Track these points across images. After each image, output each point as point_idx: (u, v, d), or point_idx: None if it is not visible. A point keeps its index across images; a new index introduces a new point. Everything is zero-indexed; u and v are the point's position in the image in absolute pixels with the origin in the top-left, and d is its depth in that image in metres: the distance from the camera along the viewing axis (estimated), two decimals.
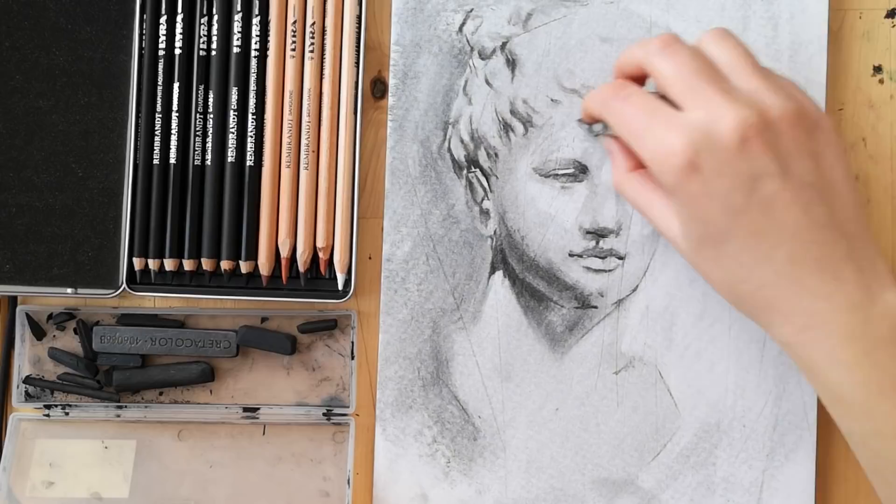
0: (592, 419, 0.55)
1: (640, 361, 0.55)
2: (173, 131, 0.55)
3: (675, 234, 0.49)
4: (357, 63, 0.55)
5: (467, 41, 0.56)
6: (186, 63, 0.55)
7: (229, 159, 0.55)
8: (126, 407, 0.56)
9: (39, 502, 0.55)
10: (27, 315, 0.56)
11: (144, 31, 0.55)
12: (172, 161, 0.55)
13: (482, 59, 0.56)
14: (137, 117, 0.55)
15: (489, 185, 0.56)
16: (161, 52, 0.55)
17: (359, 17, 0.55)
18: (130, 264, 0.55)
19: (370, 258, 0.56)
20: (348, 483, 0.54)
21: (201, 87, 0.55)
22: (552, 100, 0.55)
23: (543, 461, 0.55)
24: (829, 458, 0.56)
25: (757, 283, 0.46)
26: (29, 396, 0.56)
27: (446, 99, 0.56)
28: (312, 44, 0.55)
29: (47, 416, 0.56)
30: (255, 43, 0.55)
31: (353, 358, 0.56)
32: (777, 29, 0.55)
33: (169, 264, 0.55)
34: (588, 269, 0.55)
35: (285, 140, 0.55)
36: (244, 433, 0.56)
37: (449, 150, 0.56)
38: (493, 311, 0.55)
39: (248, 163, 0.55)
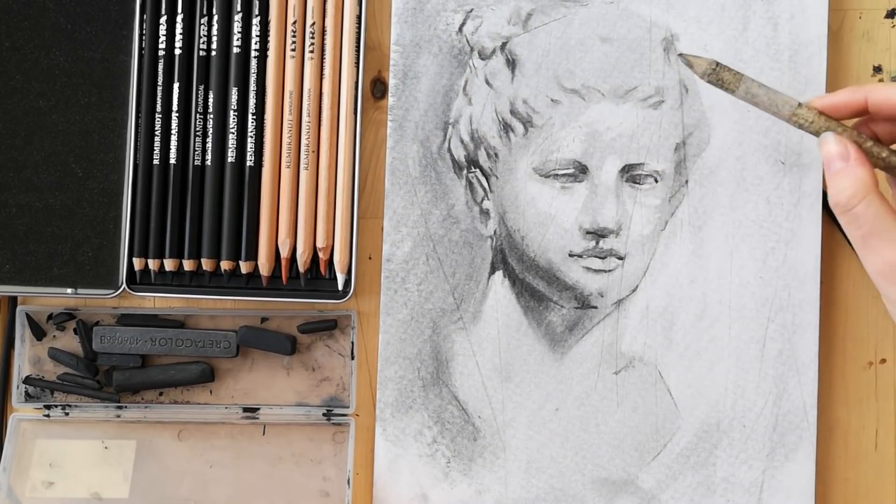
0: (592, 419, 0.55)
1: (639, 361, 0.55)
2: (173, 131, 0.55)
3: None
4: (357, 63, 0.55)
5: (467, 41, 0.56)
6: (186, 63, 0.55)
7: (229, 159, 0.55)
8: (126, 407, 0.56)
9: (39, 502, 0.55)
10: (27, 315, 0.56)
11: (144, 31, 0.55)
12: (172, 161, 0.55)
13: (482, 59, 0.56)
14: (137, 117, 0.55)
15: (489, 185, 0.56)
16: (161, 52, 0.55)
17: (359, 17, 0.55)
18: (130, 264, 0.55)
19: (370, 258, 0.56)
20: (348, 483, 0.54)
21: (201, 87, 0.55)
22: (552, 100, 0.55)
23: (543, 461, 0.55)
24: (829, 458, 0.56)
25: None
26: (29, 396, 0.56)
27: (446, 99, 0.56)
28: (312, 44, 0.55)
29: (47, 416, 0.56)
30: (255, 43, 0.55)
31: (353, 358, 0.56)
32: (777, 29, 0.55)
33: (169, 264, 0.55)
34: (588, 269, 0.55)
35: (285, 140, 0.55)
36: (244, 433, 0.56)
37: (449, 150, 0.56)
38: (493, 311, 0.55)
39: (248, 163, 0.55)
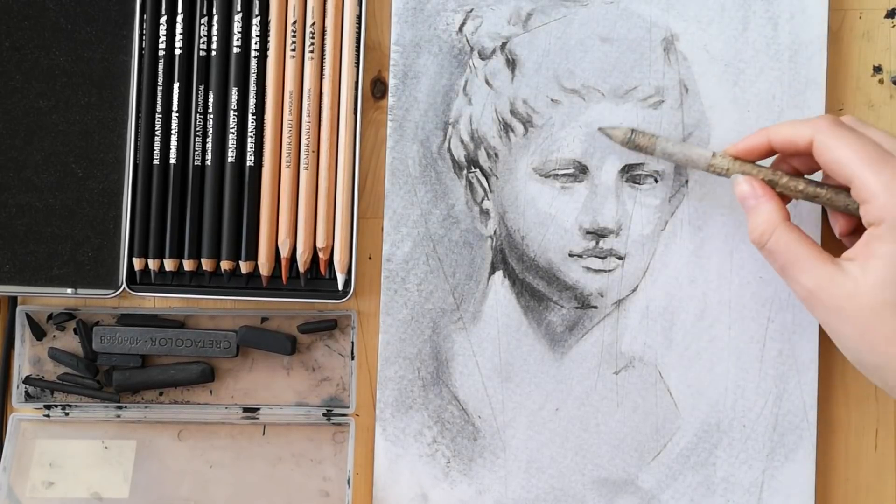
0: (592, 419, 0.55)
1: (640, 361, 0.55)
2: (173, 131, 0.55)
3: (844, 291, 0.45)
4: (357, 63, 0.55)
5: (467, 41, 0.56)
6: (186, 63, 0.55)
7: (229, 159, 0.55)
8: (126, 407, 0.56)
9: (39, 502, 0.55)
10: (27, 315, 0.56)
11: (144, 31, 0.55)
12: (172, 161, 0.55)
13: (482, 59, 0.56)
14: (137, 117, 0.55)
15: (489, 185, 0.56)
16: (161, 52, 0.55)
17: (359, 17, 0.55)
18: (130, 264, 0.55)
19: (370, 258, 0.56)
20: (348, 483, 0.54)
21: (201, 87, 0.55)
22: (552, 100, 0.55)
23: (543, 461, 0.55)
24: (829, 458, 0.56)
25: None
26: (29, 396, 0.56)
27: (446, 99, 0.56)
28: (312, 44, 0.55)
29: (47, 416, 0.56)
30: (255, 43, 0.55)
31: (353, 358, 0.56)
32: (777, 29, 0.55)
33: (169, 264, 0.55)
34: (588, 269, 0.55)
35: (285, 140, 0.55)
36: (244, 433, 0.56)
37: (449, 150, 0.56)
38: (493, 311, 0.55)
39: (248, 163, 0.55)
